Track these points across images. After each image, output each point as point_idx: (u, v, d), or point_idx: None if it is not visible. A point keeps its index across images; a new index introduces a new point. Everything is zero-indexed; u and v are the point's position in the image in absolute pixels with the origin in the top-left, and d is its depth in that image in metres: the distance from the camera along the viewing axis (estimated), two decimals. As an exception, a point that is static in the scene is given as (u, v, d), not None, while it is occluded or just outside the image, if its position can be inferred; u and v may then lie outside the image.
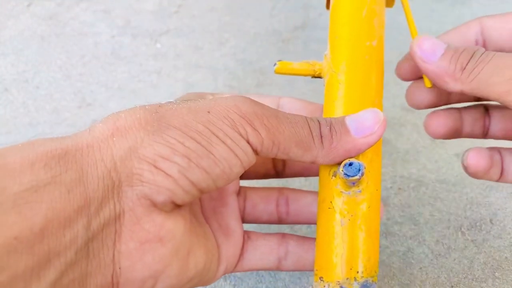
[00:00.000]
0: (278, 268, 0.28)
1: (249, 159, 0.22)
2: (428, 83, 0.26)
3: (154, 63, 0.53)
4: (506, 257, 0.34)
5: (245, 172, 0.22)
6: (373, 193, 0.24)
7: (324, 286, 0.24)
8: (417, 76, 0.28)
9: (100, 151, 0.20)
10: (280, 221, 0.29)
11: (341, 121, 0.24)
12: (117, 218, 0.20)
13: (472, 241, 0.35)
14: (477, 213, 0.37)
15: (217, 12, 0.62)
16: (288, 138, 0.22)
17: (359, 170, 0.23)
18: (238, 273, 0.33)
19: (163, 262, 0.21)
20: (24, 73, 0.51)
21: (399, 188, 0.39)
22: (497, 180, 0.27)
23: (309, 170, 0.29)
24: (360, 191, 0.24)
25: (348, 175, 0.23)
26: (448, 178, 0.40)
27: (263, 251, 0.27)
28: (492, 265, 0.33)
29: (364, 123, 0.23)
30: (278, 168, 0.29)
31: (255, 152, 0.22)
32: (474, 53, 0.23)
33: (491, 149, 0.27)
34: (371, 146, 0.24)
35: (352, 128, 0.23)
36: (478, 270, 0.33)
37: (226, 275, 0.32)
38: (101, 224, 0.19)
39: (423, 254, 0.34)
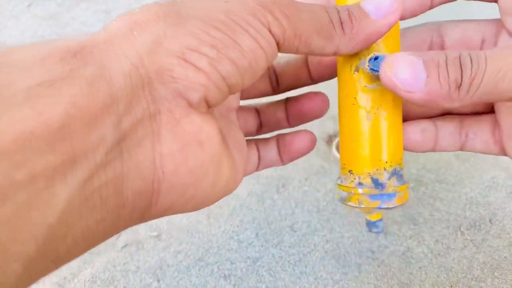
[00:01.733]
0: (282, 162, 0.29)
1: (273, 51, 0.21)
2: None
3: (154, 63, 0.53)
4: (505, 257, 0.34)
5: (243, 90, 0.21)
6: None
7: (355, 179, 0.24)
8: None
9: (121, 47, 0.18)
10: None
11: (357, 6, 0.22)
12: (152, 117, 0.18)
13: (471, 240, 0.35)
14: (476, 213, 0.37)
15: (217, 12, 0.62)
16: (309, 27, 0.21)
17: None
18: (238, 273, 0.33)
19: (203, 169, 0.20)
20: (25, 73, 0.51)
21: (399, 188, 0.39)
22: (432, 150, 0.27)
23: (303, 80, 0.29)
24: None
25: (374, 70, 0.22)
26: (448, 178, 0.40)
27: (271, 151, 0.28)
28: (492, 265, 0.33)
29: (381, 2, 0.22)
30: (273, 84, 0.29)
31: (278, 44, 0.21)
32: (461, 63, 0.21)
33: (424, 121, 0.27)
34: (392, 26, 0.22)
35: (370, 10, 0.22)
36: (477, 269, 0.33)
37: (226, 274, 0.33)
38: (133, 123, 0.18)
39: (423, 254, 0.34)
